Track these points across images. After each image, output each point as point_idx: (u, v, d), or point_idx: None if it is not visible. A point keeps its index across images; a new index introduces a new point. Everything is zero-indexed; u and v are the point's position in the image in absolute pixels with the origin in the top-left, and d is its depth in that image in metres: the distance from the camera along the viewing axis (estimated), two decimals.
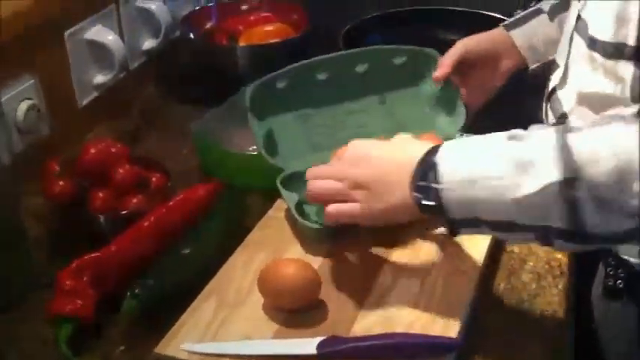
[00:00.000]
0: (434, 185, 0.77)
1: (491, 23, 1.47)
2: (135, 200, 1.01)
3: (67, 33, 1.21)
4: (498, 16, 1.49)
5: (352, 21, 1.48)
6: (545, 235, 0.74)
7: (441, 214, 0.78)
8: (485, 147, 0.77)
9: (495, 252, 0.95)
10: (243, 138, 1.13)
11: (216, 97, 1.24)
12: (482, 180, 0.74)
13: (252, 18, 1.47)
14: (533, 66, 1.13)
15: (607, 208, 0.70)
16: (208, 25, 1.49)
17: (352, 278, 0.91)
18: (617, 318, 0.97)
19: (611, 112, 0.81)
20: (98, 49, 1.27)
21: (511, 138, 0.76)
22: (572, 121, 0.81)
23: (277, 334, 0.83)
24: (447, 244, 0.94)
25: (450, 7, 1.57)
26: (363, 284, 0.90)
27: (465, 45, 1.14)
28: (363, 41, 1.45)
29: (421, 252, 0.94)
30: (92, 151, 1.02)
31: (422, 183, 0.78)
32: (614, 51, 0.83)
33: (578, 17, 0.91)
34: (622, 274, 0.94)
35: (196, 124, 1.16)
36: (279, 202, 1.05)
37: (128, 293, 0.86)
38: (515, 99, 1.20)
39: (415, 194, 0.78)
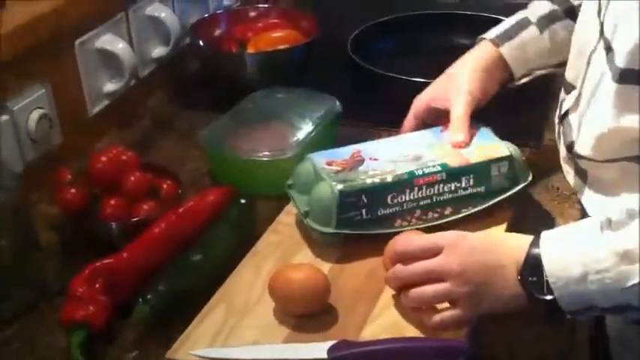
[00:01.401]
0: (546, 279, 0.78)
1: None
2: (146, 207, 1.02)
3: (77, 42, 1.22)
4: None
5: (361, 27, 1.49)
6: None
7: (554, 308, 0.78)
8: (583, 239, 0.78)
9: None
10: (252, 144, 1.14)
11: (225, 103, 1.24)
12: (591, 275, 0.76)
13: (260, 25, 1.48)
14: (520, 81, 1.12)
15: None
16: (217, 33, 1.49)
17: (362, 282, 0.91)
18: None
19: None
20: (108, 57, 1.28)
21: (605, 227, 0.77)
22: None
23: (287, 338, 0.84)
24: None
25: (459, 11, 1.58)
26: (373, 288, 0.90)
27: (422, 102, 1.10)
28: (371, 47, 1.45)
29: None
30: (103, 159, 1.03)
31: (533, 279, 0.78)
32: None
33: (608, 47, 0.86)
34: None
35: (206, 130, 1.16)
36: (288, 208, 1.05)
37: (139, 299, 0.87)
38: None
39: (531, 290, 0.79)
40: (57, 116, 1.18)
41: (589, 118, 0.90)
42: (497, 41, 1.10)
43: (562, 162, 1.00)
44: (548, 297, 0.77)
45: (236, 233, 1.00)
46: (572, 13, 1.05)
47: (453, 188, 0.98)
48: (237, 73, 1.38)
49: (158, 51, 1.42)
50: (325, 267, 0.93)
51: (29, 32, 1.09)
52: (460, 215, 0.99)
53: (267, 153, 1.10)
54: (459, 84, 1.06)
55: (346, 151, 1.03)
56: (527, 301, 0.79)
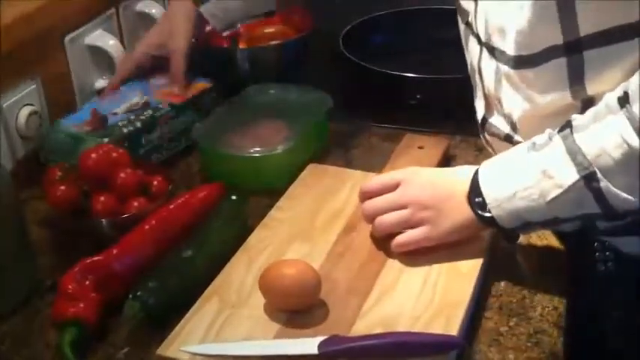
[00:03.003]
0: (484, 201, 0.88)
1: None
2: (136, 204, 1.01)
3: (67, 38, 1.21)
4: None
5: (353, 22, 1.49)
6: (589, 220, 0.85)
7: (497, 226, 0.89)
8: (513, 161, 0.88)
9: (495, 250, 0.95)
10: (244, 140, 1.14)
11: (217, 99, 1.24)
12: (519, 192, 0.85)
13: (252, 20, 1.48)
14: None
15: (626, 189, 0.81)
16: (208, 28, 1.49)
17: (353, 278, 0.91)
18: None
19: (601, 104, 0.83)
20: (99, 53, 1.28)
21: (530, 149, 0.86)
22: (577, 118, 0.84)
23: (279, 334, 0.84)
24: (447, 243, 0.94)
25: (451, 7, 1.57)
26: (364, 284, 0.90)
27: None
28: (364, 42, 1.45)
29: (421, 251, 0.94)
30: (93, 156, 1.02)
31: (478, 199, 0.89)
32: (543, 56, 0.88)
33: (490, 47, 0.95)
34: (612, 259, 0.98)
35: (198, 126, 1.16)
36: (280, 203, 1.05)
37: (130, 296, 0.86)
38: None
39: (476, 210, 0.89)
40: (47, 113, 1.18)
41: (508, 111, 0.97)
42: None
43: None
44: (487, 215, 0.88)
45: (227, 229, 0.99)
46: None
47: (182, 121, 1.20)
48: (230, 68, 1.38)
49: None
50: (316, 262, 0.93)
51: (19, 29, 1.09)
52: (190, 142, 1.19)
53: (258, 149, 1.10)
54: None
55: (84, 114, 1.16)
56: (479, 223, 0.90)
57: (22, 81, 1.13)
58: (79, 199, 1.01)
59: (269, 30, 1.44)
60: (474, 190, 0.90)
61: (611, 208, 0.82)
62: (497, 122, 1.01)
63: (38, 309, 0.92)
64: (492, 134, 1.02)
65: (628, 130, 0.79)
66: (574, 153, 0.82)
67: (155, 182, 1.05)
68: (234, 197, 1.03)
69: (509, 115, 0.97)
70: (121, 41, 1.32)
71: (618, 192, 0.81)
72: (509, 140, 0.99)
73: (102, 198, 1.01)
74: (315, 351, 0.80)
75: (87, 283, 0.88)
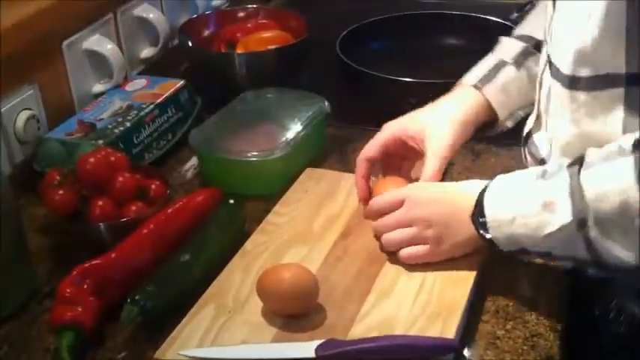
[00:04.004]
0: (486, 221, 0.87)
1: (488, 27, 1.49)
2: (134, 208, 1.02)
3: (65, 43, 1.22)
4: (495, 19, 1.50)
5: (349, 27, 1.49)
6: (579, 264, 0.83)
7: (495, 247, 0.88)
8: (520, 185, 0.86)
9: (493, 254, 0.95)
10: (241, 144, 1.14)
11: (214, 104, 1.25)
12: (518, 218, 0.84)
13: (249, 25, 1.48)
14: (504, 125, 1.07)
15: (620, 244, 0.77)
16: (206, 33, 1.49)
17: (350, 282, 0.92)
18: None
19: (616, 143, 0.79)
20: (97, 58, 1.28)
21: (540, 176, 0.84)
22: (590, 154, 0.80)
23: (276, 338, 0.84)
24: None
25: (448, 12, 1.58)
26: (361, 287, 0.90)
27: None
28: (360, 47, 1.46)
29: None
30: (91, 160, 1.02)
31: (482, 219, 0.87)
32: (602, 82, 0.82)
33: (550, 62, 0.89)
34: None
35: (195, 131, 1.17)
36: (277, 208, 1.06)
37: (128, 300, 0.87)
38: None
39: (479, 229, 0.88)
40: (45, 117, 1.18)
41: (552, 132, 0.91)
42: (480, 85, 1.05)
43: None
44: (487, 235, 0.87)
45: (225, 233, 1.00)
46: (540, 48, 1.01)
47: (165, 118, 1.24)
48: (227, 73, 1.39)
49: (147, 52, 1.43)
50: (314, 267, 0.93)
51: (17, 33, 1.09)
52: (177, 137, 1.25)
53: (255, 153, 1.10)
54: (438, 137, 1.01)
55: (71, 124, 1.18)
56: (482, 242, 0.88)
57: (20, 86, 1.14)
58: (77, 203, 1.01)
59: (266, 35, 1.44)
60: (479, 209, 0.88)
61: (600, 258, 0.79)
62: (539, 142, 0.95)
63: (36, 313, 0.92)
64: (531, 153, 0.97)
65: (631, 180, 0.74)
66: (575, 191, 0.79)
67: (153, 186, 1.05)
68: (231, 202, 1.03)
69: (552, 138, 0.91)
70: (119, 46, 1.33)
71: (609, 246, 0.78)
72: (542, 164, 0.93)
73: (100, 202, 1.01)
74: (312, 354, 0.80)
75: (85, 287, 0.88)
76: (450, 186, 0.97)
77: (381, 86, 1.31)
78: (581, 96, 0.84)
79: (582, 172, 0.79)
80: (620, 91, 0.80)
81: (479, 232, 0.88)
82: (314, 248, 0.97)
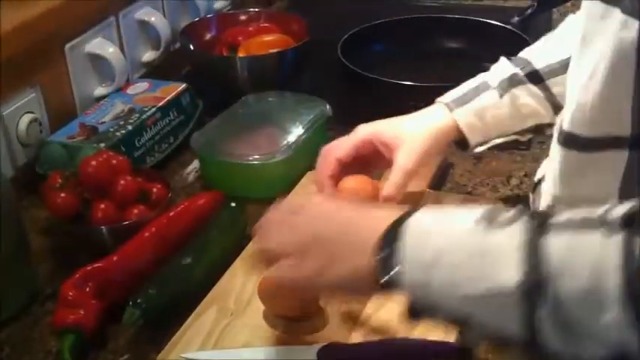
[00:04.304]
0: (396, 253, 0.67)
1: (490, 30, 1.49)
2: (136, 211, 1.02)
3: (67, 46, 1.22)
4: (497, 23, 1.50)
5: (351, 31, 1.49)
6: (502, 340, 0.65)
7: (396, 289, 0.67)
8: (457, 225, 0.67)
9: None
10: (243, 148, 1.14)
11: (216, 107, 1.25)
12: (442, 264, 0.65)
13: (251, 29, 1.48)
14: (476, 149, 1.02)
15: (571, 330, 0.60)
16: (208, 37, 1.50)
17: None
18: None
19: (599, 210, 0.63)
20: (99, 61, 1.28)
21: (481, 221, 0.65)
22: (561, 214, 0.64)
23: (277, 341, 0.84)
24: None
25: (449, 15, 1.58)
26: None
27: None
28: (362, 50, 1.46)
29: None
30: (93, 163, 1.03)
31: (384, 254, 0.67)
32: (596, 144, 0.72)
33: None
34: None
35: (197, 134, 1.17)
36: None
37: (130, 303, 0.87)
38: None
39: (380, 266, 0.67)
40: (47, 120, 1.18)
41: (545, 187, 0.83)
42: (452, 106, 1.00)
43: None
44: (391, 272, 0.66)
45: (226, 236, 1.00)
46: (534, 77, 0.98)
47: (167, 121, 1.24)
48: (228, 77, 1.39)
49: (148, 55, 1.43)
50: None
51: (20, 36, 1.09)
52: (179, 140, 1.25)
53: (257, 156, 1.11)
54: (408, 150, 0.98)
55: (72, 127, 1.18)
56: (375, 282, 0.68)
57: (22, 89, 1.14)
58: (78, 206, 1.01)
59: (268, 38, 1.45)
60: (389, 239, 0.68)
61: (538, 341, 0.61)
62: (544, 192, 0.84)
63: (38, 316, 0.93)
64: (534, 202, 0.88)
65: (612, 262, 0.58)
66: (531, 254, 0.61)
67: (155, 189, 1.05)
68: (233, 205, 1.03)
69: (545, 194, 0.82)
70: (121, 49, 1.33)
71: (560, 331, 0.60)
72: None
73: (102, 205, 1.01)
74: (313, 357, 0.80)
75: (87, 290, 0.88)
76: (363, 207, 0.76)
77: (382, 90, 1.32)
78: (575, 155, 0.74)
79: (548, 234, 0.62)
80: (620, 155, 0.70)
81: (377, 270, 0.67)
82: None
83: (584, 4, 0.73)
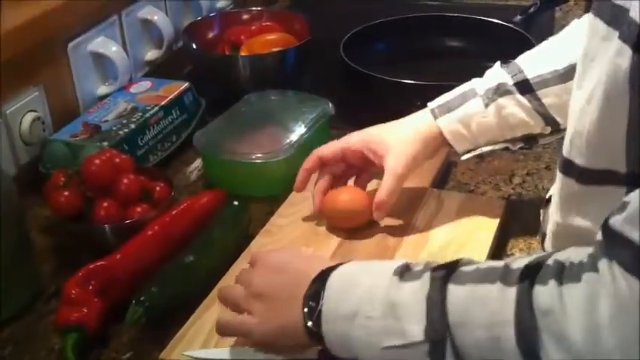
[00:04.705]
0: (320, 308, 0.71)
1: (492, 29, 1.49)
2: (139, 210, 1.02)
3: (70, 45, 1.22)
4: (499, 22, 1.50)
5: (353, 29, 1.50)
6: None
7: (322, 344, 0.72)
8: (374, 279, 0.70)
9: (497, 254, 0.96)
10: (246, 146, 1.14)
11: (219, 106, 1.25)
12: (359, 318, 0.68)
13: (253, 27, 1.48)
14: (464, 157, 1.01)
15: None
16: (210, 35, 1.50)
17: None
18: None
19: (501, 263, 0.66)
20: (101, 60, 1.29)
21: (398, 273, 0.69)
22: (466, 264, 0.67)
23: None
24: (450, 247, 0.95)
25: (451, 14, 1.58)
26: None
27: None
28: (364, 49, 1.46)
29: (422, 255, 0.95)
30: (97, 161, 1.03)
31: (312, 303, 0.71)
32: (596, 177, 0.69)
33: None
34: None
35: (200, 133, 1.17)
36: (281, 210, 1.06)
37: (133, 301, 0.87)
38: None
39: (307, 318, 0.71)
40: (50, 119, 1.19)
41: (550, 212, 0.81)
42: (437, 112, 1.00)
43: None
44: (314, 329, 0.71)
45: (229, 235, 1.00)
46: (524, 87, 0.96)
47: (170, 120, 1.24)
48: (231, 75, 1.39)
49: (151, 54, 1.43)
50: None
51: (23, 35, 1.10)
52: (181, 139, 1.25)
53: (260, 155, 1.11)
54: (397, 155, 0.98)
55: (75, 126, 1.18)
56: (307, 336, 0.72)
57: (25, 87, 1.14)
58: (81, 204, 1.02)
59: (270, 37, 1.45)
60: (314, 291, 0.72)
61: None
62: (550, 214, 0.81)
63: (41, 314, 0.93)
64: (544, 221, 0.86)
65: (506, 315, 0.60)
66: (433, 305, 0.64)
67: (157, 188, 1.05)
68: (235, 203, 1.03)
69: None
70: (124, 48, 1.33)
71: None
72: (543, 239, 0.84)
73: (105, 204, 1.01)
74: (314, 356, 0.80)
75: (90, 288, 0.88)
76: (303, 258, 0.82)
77: (384, 88, 1.32)
78: (574, 184, 0.72)
79: (450, 285, 0.65)
80: (619, 191, 0.65)
81: (305, 322, 0.71)
82: (318, 250, 0.98)
83: (589, 20, 0.70)
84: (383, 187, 0.98)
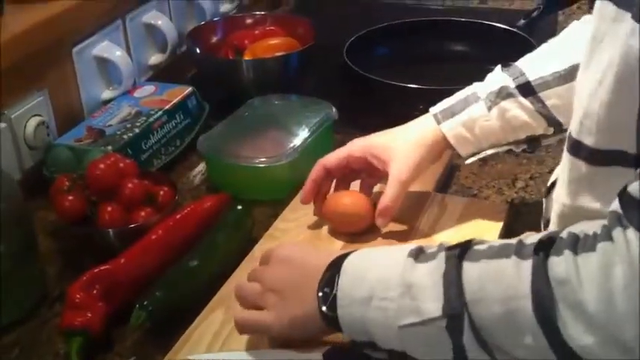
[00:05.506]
0: (334, 293, 0.73)
1: (495, 34, 1.49)
2: (143, 214, 1.02)
3: (74, 49, 1.23)
4: (502, 26, 1.50)
5: (356, 34, 1.50)
6: None
7: (339, 329, 0.74)
8: (388, 261, 0.72)
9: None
10: (249, 150, 1.14)
11: (222, 110, 1.25)
12: (375, 300, 0.70)
13: (257, 32, 1.49)
14: (467, 160, 1.01)
15: (496, 353, 0.65)
16: (214, 40, 1.50)
17: None
18: None
19: (515, 240, 0.67)
20: (106, 64, 1.29)
21: (412, 255, 0.71)
22: (481, 243, 0.69)
23: (284, 343, 0.84)
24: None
25: (455, 18, 1.59)
26: None
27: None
28: (367, 53, 1.46)
29: None
30: (101, 166, 1.03)
31: (326, 289, 0.74)
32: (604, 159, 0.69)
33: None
34: None
35: (203, 137, 1.17)
36: (285, 213, 1.06)
37: (137, 305, 0.87)
38: None
39: (322, 304, 0.74)
40: (54, 123, 1.19)
41: (554, 196, 0.81)
42: (440, 117, 1.00)
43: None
44: (330, 314, 0.73)
45: (233, 239, 1.00)
46: (526, 89, 0.96)
47: (174, 124, 1.25)
48: (234, 80, 1.39)
49: (155, 58, 1.44)
50: None
51: (27, 40, 1.10)
52: (185, 143, 1.26)
53: (263, 159, 1.11)
54: (401, 161, 0.99)
55: (79, 130, 1.19)
56: (324, 323, 0.74)
57: (30, 92, 1.14)
58: (85, 208, 1.02)
59: (274, 41, 1.45)
60: (329, 278, 0.74)
61: None
62: (555, 197, 0.80)
63: (46, 318, 0.93)
64: (547, 208, 0.87)
65: (522, 288, 0.62)
66: (450, 283, 0.66)
67: (161, 192, 1.06)
68: (239, 207, 1.04)
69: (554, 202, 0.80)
70: (128, 52, 1.33)
71: (481, 356, 0.65)
72: (546, 227, 0.85)
73: (109, 208, 1.01)
74: (319, 359, 0.80)
75: (94, 292, 0.89)
76: (313, 251, 0.86)
77: (387, 92, 1.32)
78: (584, 165, 0.71)
79: (465, 263, 0.67)
80: (629, 172, 0.65)
81: (320, 308, 0.74)
82: None
83: (596, 4, 0.70)
84: (387, 194, 0.99)
